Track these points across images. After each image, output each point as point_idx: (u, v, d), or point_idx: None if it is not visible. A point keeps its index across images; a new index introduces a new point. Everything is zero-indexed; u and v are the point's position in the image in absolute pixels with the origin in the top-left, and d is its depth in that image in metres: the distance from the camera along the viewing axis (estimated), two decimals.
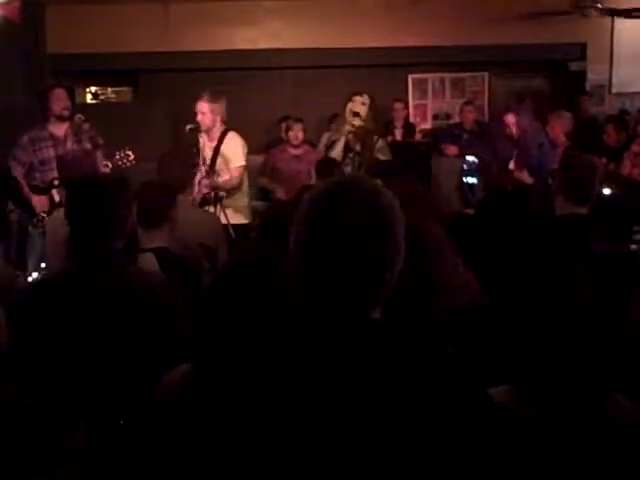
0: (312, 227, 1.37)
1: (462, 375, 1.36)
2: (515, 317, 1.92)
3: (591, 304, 1.88)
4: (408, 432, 1.28)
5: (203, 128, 5.67)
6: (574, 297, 1.88)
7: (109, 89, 9.66)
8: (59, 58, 8.28)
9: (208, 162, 5.60)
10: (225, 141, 5.70)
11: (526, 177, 6.48)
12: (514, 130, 6.90)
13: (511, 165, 6.72)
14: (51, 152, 5.62)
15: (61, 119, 5.73)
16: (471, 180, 3.84)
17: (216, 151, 5.67)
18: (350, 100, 5.54)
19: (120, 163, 5.50)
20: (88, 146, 5.65)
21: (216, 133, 5.70)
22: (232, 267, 1.99)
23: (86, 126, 5.82)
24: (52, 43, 8.28)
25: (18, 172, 5.63)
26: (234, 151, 5.72)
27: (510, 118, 6.97)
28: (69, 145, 5.67)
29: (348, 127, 5.47)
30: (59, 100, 5.74)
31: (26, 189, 5.56)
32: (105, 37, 8.27)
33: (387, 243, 1.37)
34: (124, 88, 9.63)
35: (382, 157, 5.52)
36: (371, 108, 5.55)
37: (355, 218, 1.34)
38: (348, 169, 5.63)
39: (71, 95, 8.23)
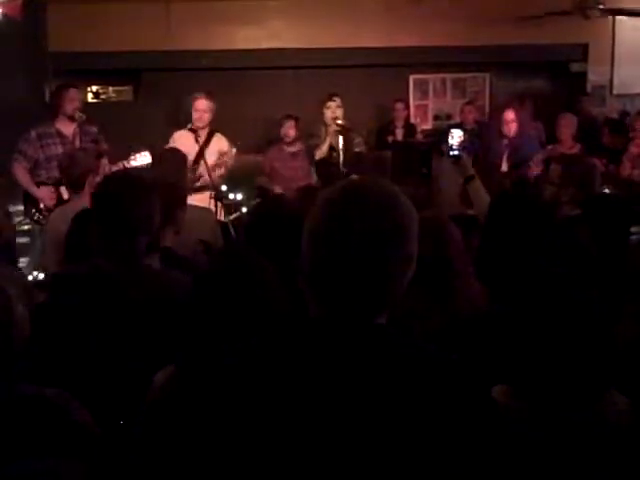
0: (325, 227, 1.36)
1: (467, 379, 1.36)
2: (513, 317, 1.93)
3: (587, 304, 1.89)
4: (411, 436, 1.28)
5: (201, 125, 5.74)
6: (570, 297, 1.89)
7: (110, 88, 9.65)
8: (60, 56, 8.27)
9: (192, 159, 5.68)
10: (214, 140, 5.79)
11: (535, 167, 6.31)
12: (512, 128, 6.75)
13: (504, 167, 6.63)
14: (59, 149, 5.62)
15: (71, 119, 5.75)
16: (456, 154, 3.76)
17: (202, 150, 5.75)
18: (326, 106, 5.90)
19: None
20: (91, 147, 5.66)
21: (205, 132, 5.78)
22: (209, 274, 2.01)
23: (93, 129, 5.85)
24: (53, 41, 8.28)
25: (23, 166, 5.63)
26: (224, 146, 5.90)
27: (509, 114, 6.82)
28: (77, 144, 5.68)
29: (334, 127, 5.76)
30: (73, 100, 5.78)
31: (33, 187, 5.55)
32: (106, 36, 8.28)
33: (400, 248, 1.35)
34: (125, 87, 9.62)
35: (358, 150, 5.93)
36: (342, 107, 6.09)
37: (369, 221, 1.33)
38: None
39: None
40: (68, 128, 5.76)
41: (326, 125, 6.04)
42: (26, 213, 5.59)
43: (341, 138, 5.84)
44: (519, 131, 6.68)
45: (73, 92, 5.84)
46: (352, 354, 1.32)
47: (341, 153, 5.85)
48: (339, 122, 5.86)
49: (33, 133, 5.68)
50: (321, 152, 5.97)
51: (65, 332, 2.43)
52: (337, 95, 6.02)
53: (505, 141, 6.67)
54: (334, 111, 5.95)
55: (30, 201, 5.58)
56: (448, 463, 1.27)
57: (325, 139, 5.96)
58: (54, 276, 2.82)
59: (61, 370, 2.33)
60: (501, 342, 2.01)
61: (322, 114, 6.07)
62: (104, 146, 5.79)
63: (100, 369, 2.39)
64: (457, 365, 1.37)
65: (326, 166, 5.68)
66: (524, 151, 6.47)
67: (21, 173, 5.63)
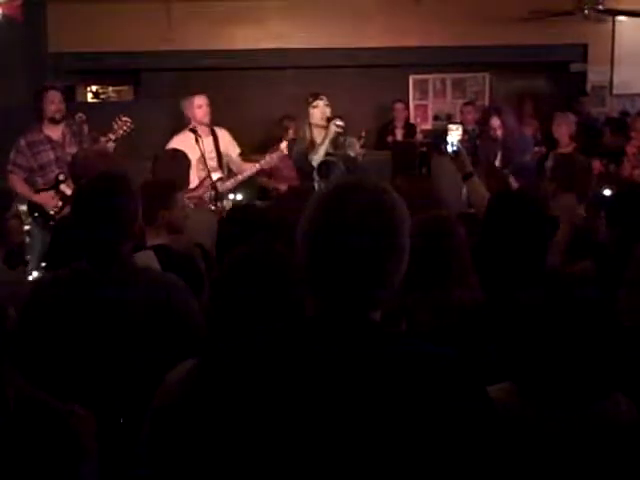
0: (318, 224, 1.38)
1: (461, 375, 1.36)
2: (517, 315, 1.93)
3: (591, 302, 1.89)
4: (407, 431, 1.28)
5: (205, 121, 5.73)
6: (575, 295, 1.89)
7: (110, 88, 9.68)
8: (60, 57, 8.29)
9: (215, 158, 5.70)
10: (220, 135, 5.78)
11: (512, 181, 6.41)
12: (499, 133, 6.90)
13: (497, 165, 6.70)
14: (50, 155, 5.55)
15: (53, 122, 5.64)
16: (455, 149, 3.70)
17: (217, 146, 5.74)
18: (313, 106, 5.40)
19: (121, 131, 5.44)
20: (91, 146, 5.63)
21: (208, 128, 5.78)
22: (242, 259, 1.99)
23: (83, 130, 5.73)
24: (53, 42, 8.29)
25: (19, 177, 5.58)
26: (232, 142, 5.89)
27: (494, 121, 6.97)
28: (68, 147, 5.61)
29: (334, 129, 5.33)
30: (52, 103, 5.62)
31: (33, 196, 5.50)
32: (106, 36, 8.29)
33: (393, 244, 1.38)
34: (125, 87, 9.65)
35: (352, 153, 5.47)
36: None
37: (363, 217, 1.35)
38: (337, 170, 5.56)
39: (72, 94, 8.23)
40: (56, 132, 5.65)
41: (312, 126, 5.37)
42: (29, 215, 5.55)
43: (342, 139, 5.42)
44: (507, 134, 6.78)
45: (52, 94, 5.66)
46: (347, 351, 1.33)
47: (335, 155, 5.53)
48: (339, 123, 5.39)
49: (22, 142, 5.58)
50: (319, 157, 5.25)
51: (50, 332, 2.41)
52: (320, 94, 5.57)
53: (497, 143, 6.78)
54: (324, 110, 5.33)
55: (33, 204, 5.54)
56: (441, 458, 1.27)
57: (323, 142, 5.27)
58: (45, 282, 2.78)
59: (45, 371, 2.32)
60: (501, 339, 2.01)
61: (307, 115, 5.37)
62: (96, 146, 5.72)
63: (87, 371, 2.38)
64: (453, 361, 1.38)
65: (326, 166, 5.40)
66: (514, 153, 6.57)
67: (19, 184, 5.55)
